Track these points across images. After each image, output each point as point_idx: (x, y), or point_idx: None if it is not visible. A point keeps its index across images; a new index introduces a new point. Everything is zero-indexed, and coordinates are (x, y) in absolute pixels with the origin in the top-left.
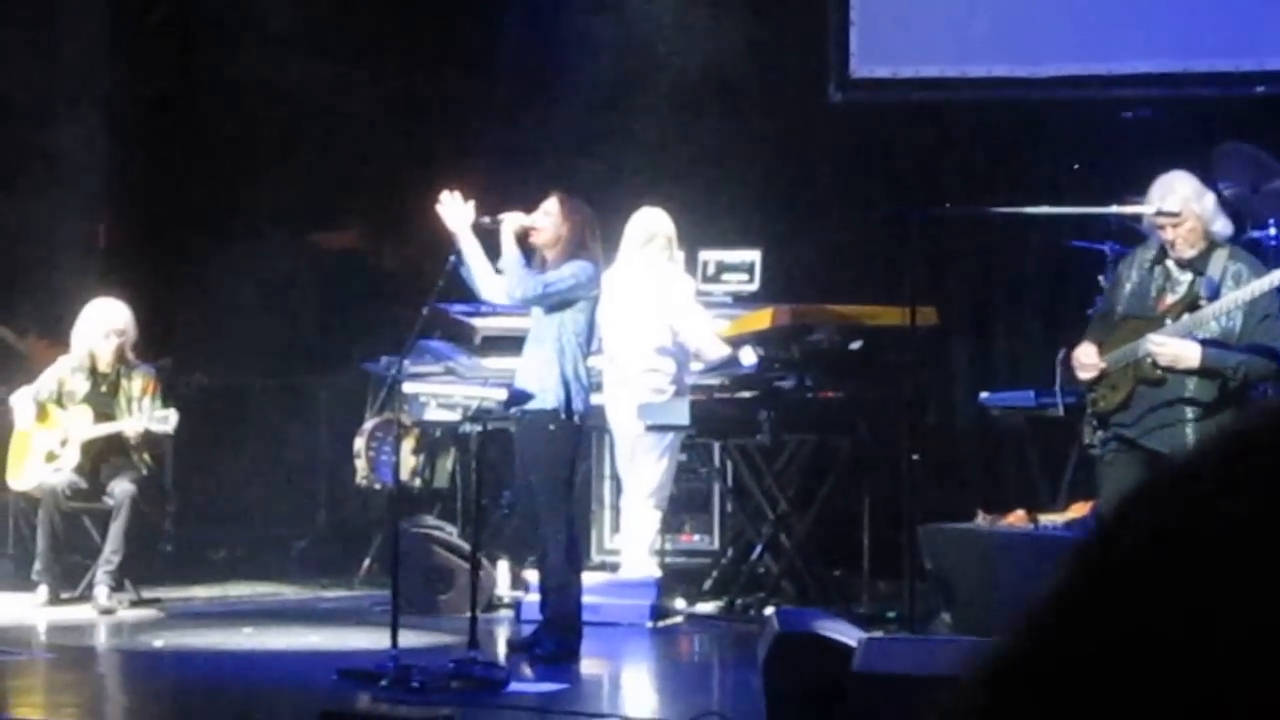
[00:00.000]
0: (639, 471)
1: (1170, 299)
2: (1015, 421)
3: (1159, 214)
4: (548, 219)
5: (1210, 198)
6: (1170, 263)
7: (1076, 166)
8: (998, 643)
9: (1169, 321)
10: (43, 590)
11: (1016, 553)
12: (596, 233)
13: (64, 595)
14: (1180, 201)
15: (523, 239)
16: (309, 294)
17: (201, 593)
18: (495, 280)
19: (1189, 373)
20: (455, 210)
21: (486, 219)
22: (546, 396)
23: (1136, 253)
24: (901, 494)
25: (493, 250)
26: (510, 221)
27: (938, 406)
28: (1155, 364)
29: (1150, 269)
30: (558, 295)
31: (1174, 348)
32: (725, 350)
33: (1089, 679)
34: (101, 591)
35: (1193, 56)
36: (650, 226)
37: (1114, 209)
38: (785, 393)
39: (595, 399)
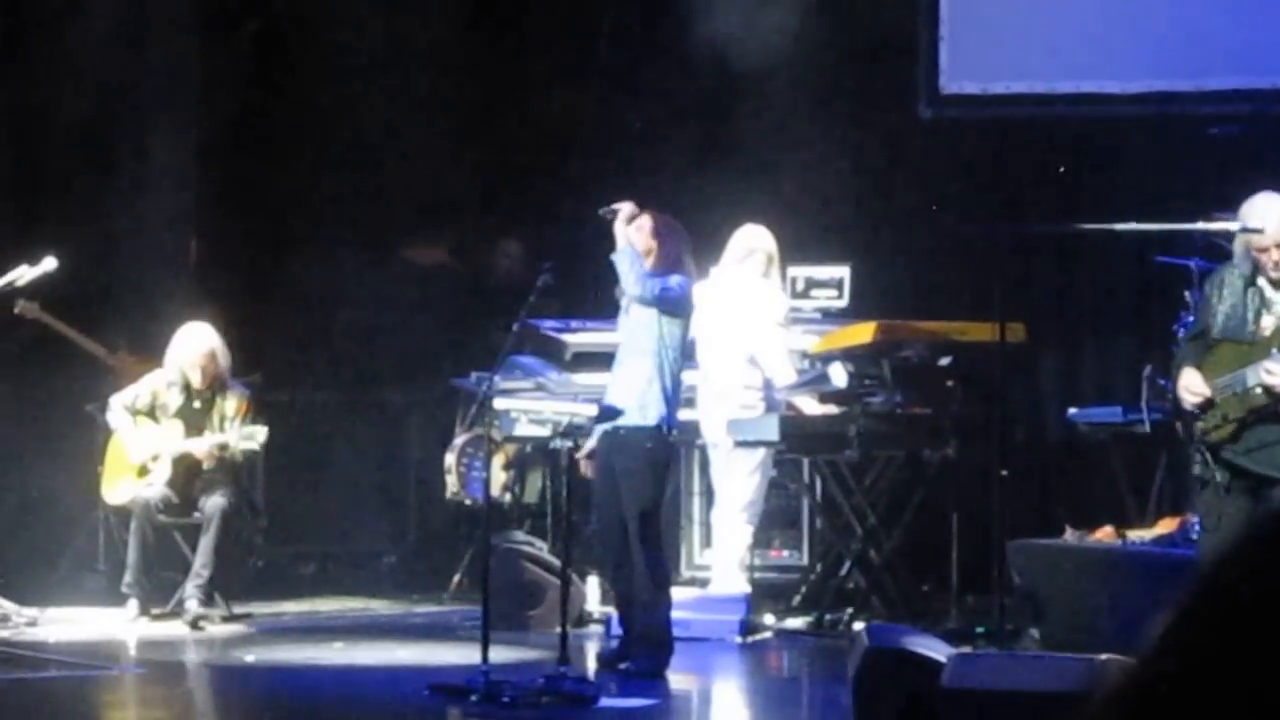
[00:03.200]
0: (732, 486)
1: (1268, 321)
2: (1103, 437)
3: (1260, 235)
4: (639, 234)
5: None
6: (1264, 283)
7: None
8: (1122, 674)
9: (1275, 350)
10: (133, 604)
11: (1104, 568)
12: (690, 250)
13: (154, 610)
14: (1278, 222)
15: None
16: (400, 309)
17: (291, 608)
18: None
19: None
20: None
21: (602, 210)
22: (648, 412)
23: (1223, 272)
24: (990, 509)
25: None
26: (625, 212)
27: (1026, 422)
28: (1267, 392)
29: (1244, 291)
30: (672, 300)
31: None
32: (793, 378)
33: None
34: (192, 606)
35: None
36: (749, 243)
37: (1200, 225)
38: (874, 408)
39: (688, 414)
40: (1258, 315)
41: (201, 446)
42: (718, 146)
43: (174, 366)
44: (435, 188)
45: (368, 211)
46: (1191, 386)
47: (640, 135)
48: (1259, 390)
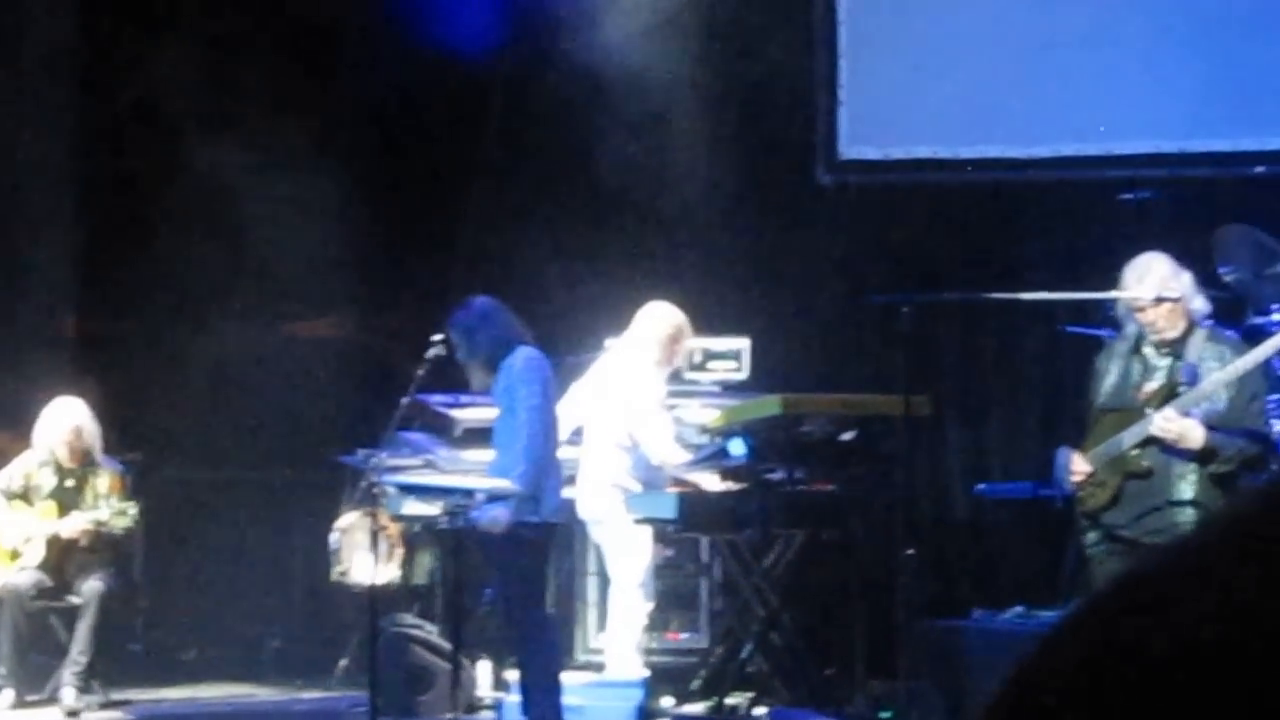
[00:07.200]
0: (617, 566)
1: (1149, 386)
2: (1012, 513)
3: (1136, 300)
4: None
5: (1187, 275)
6: (1147, 350)
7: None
8: None
9: (1149, 411)
10: (8, 693)
11: (1015, 649)
12: (506, 318)
13: (30, 698)
14: (1159, 282)
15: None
16: (283, 385)
17: (172, 694)
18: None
19: (1179, 455)
20: None
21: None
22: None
23: (1112, 344)
24: (895, 589)
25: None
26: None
27: (932, 498)
28: (1141, 455)
29: (1128, 359)
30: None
31: (1179, 426)
32: (684, 458)
33: None
34: (69, 693)
35: (1191, 136)
36: (644, 324)
37: (1111, 294)
38: (775, 485)
39: (569, 492)
40: (1140, 380)
41: (74, 526)
42: (614, 216)
43: (43, 444)
44: (321, 262)
45: (251, 285)
46: (1070, 466)
47: (531, 206)
48: (1135, 452)
